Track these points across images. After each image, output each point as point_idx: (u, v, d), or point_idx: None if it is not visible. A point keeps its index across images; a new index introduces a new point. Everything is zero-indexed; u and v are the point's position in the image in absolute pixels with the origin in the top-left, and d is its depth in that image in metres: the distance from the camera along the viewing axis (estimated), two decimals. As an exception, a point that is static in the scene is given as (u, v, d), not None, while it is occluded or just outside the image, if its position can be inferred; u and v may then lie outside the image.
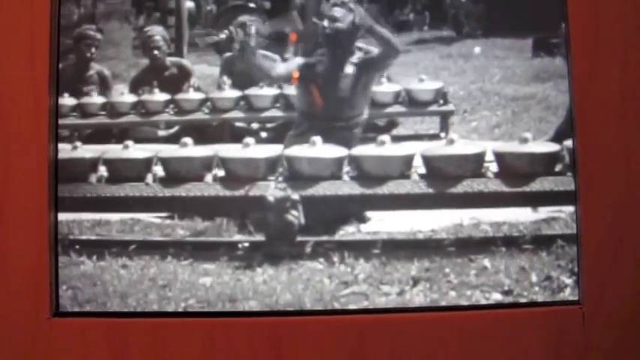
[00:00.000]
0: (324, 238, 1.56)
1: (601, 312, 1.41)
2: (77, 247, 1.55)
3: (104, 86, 1.70)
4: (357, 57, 1.67)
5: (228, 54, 1.69)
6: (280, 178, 1.59)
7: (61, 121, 1.64)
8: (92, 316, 1.46)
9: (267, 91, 1.72)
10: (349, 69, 1.67)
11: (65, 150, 1.63)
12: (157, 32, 1.70)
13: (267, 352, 1.40)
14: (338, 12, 1.66)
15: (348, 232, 1.57)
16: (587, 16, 1.42)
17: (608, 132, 1.42)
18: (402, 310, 1.46)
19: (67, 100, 1.67)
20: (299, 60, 1.68)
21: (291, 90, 1.70)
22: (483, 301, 1.47)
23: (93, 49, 1.68)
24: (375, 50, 1.66)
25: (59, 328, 1.42)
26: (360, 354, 1.40)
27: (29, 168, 1.42)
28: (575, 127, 1.43)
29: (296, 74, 1.67)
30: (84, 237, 1.57)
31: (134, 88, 1.71)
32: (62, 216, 1.57)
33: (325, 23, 1.66)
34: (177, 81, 1.72)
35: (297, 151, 1.61)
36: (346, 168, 1.61)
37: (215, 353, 1.40)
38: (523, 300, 1.46)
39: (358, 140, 1.63)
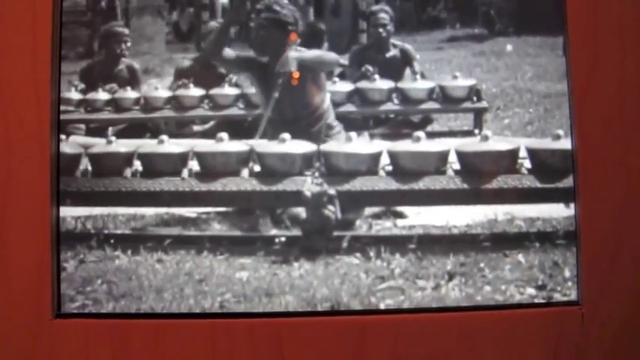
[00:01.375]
0: (361, 233, 1.57)
1: (600, 313, 1.41)
2: (112, 241, 1.55)
3: (134, 80, 1.71)
4: (296, 56, 1.69)
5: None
6: (317, 174, 1.60)
7: (94, 116, 1.67)
8: (94, 318, 1.45)
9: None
10: (292, 66, 1.69)
11: (100, 144, 1.65)
12: None
13: (269, 352, 1.40)
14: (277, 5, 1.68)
15: (385, 227, 1.59)
16: (586, 16, 1.43)
17: (607, 132, 1.43)
18: (402, 311, 1.46)
19: (100, 95, 1.69)
20: (249, 53, 1.70)
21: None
22: (518, 296, 1.48)
23: (122, 45, 1.69)
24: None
25: (61, 330, 1.41)
26: (361, 354, 1.40)
27: (31, 165, 1.41)
28: (574, 127, 1.44)
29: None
30: (119, 231, 1.57)
31: (177, 78, 1.72)
32: (96, 210, 1.59)
33: (252, 24, 1.68)
34: (219, 79, 1.72)
35: (334, 146, 1.63)
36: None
37: (216, 354, 1.40)
38: (557, 295, 1.47)
39: (323, 135, 1.66)
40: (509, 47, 1.67)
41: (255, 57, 1.69)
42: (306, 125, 1.67)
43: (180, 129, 1.72)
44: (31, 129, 1.41)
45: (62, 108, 1.56)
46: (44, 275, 1.41)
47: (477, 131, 1.70)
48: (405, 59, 1.71)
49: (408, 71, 1.72)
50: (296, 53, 1.67)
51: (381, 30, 1.71)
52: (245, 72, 1.71)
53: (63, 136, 1.54)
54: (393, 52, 1.73)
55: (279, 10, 1.66)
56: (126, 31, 1.67)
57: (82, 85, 1.63)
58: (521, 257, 1.52)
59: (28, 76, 1.41)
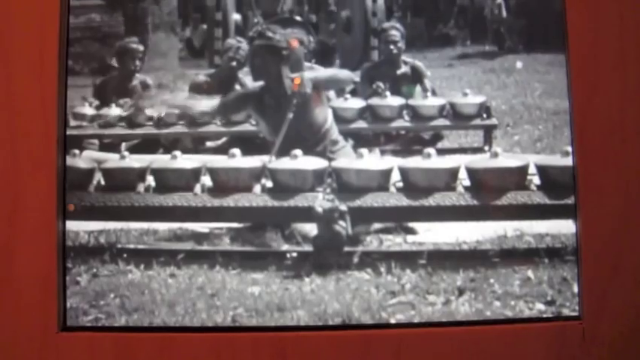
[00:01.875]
0: (372, 248, 1.59)
1: (601, 328, 1.42)
2: (125, 255, 1.56)
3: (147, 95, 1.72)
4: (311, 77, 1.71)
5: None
6: (328, 190, 1.61)
7: (108, 132, 1.69)
8: (100, 331, 1.46)
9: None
10: (307, 88, 1.69)
11: (113, 159, 1.67)
12: (243, 47, 1.73)
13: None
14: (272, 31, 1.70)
15: (395, 242, 1.60)
16: (587, 35, 1.44)
17: (607, 148, 1.43)
18: (405, 326, 1.47)
19: (113, 111, 1.71)
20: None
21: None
22: (527, 312, 1.49)
23: (137, 62, 1.71)
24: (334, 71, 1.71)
25: (67, 343, 1.42)
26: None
27: (38, 179, 1.42)
28: (575, 144, 1.45)
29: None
30: (131, 246, 1.59)
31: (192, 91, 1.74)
32: (110, 225, 1.60)
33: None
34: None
35: (345, 163, 1.64)
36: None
37: (220, 367, 1.42)
38: (566, 311, 1.48)
39: (328, 151, 1.68)
40: (519, 64, 1.69)
41: (245, 92, 1.72)
42: (311, 145, 1.69)
43: (193, 145, 1.73)
44: (38, 143, 1.42)
45: (76, 123, 1.58)
46: (50, 288, 1.41)
47: (486, 148, 1.72)
48: (416, 76, 1.73)
49: (418, 88, 1.74)
50: (311, 73, 1.68)
51: (392, 47, 1.73)
52: (244, 110, 1.73)
53: (77, 151, 1.56)
54: (403, 69, 1.74)
55: (272, 36, 1.68)
56: (140, 47, 1.69)
57: (96, 102, 1.65)
58: (530, 273, 1.53)
59: (35, 90, 1.42)
